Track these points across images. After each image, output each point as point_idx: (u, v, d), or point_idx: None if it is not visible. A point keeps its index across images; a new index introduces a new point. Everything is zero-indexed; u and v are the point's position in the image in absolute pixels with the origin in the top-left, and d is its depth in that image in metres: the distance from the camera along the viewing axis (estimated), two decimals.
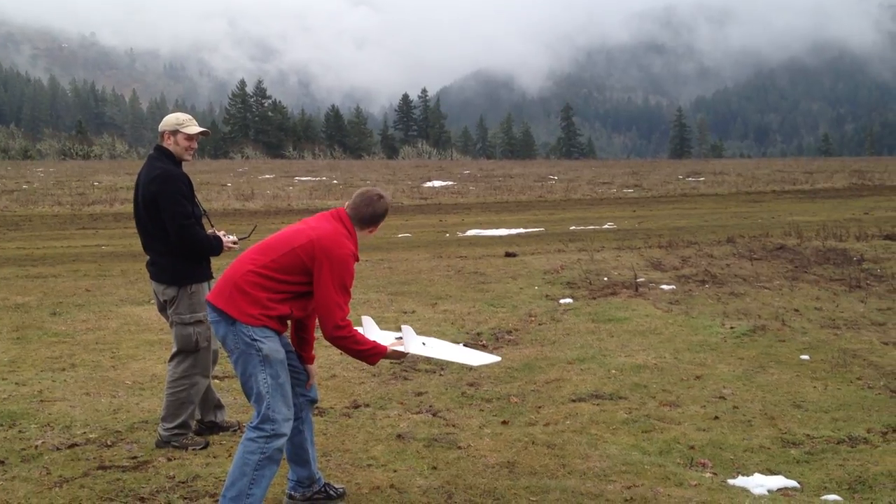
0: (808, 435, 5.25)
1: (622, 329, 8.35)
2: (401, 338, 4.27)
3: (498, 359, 4.78)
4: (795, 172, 45.17)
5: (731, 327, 8.24)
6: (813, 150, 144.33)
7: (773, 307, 9.25)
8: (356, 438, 5.30)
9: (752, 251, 13.79)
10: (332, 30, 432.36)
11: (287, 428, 3.92)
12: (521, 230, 18.76)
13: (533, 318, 9.04)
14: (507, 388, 6.44)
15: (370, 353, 4.03)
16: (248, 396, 3.95)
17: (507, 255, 14.04)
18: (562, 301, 9.92)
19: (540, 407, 5.96)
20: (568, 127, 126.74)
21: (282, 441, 3.91)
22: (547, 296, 10.36)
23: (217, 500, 4.11)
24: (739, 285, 10.72)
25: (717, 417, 5.62)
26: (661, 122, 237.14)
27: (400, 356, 4.20)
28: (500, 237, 17.67)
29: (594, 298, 10.09)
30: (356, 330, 4.05)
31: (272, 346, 3.89)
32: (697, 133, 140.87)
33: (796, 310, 9.10)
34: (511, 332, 8.46)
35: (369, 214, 4.11)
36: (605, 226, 19.77)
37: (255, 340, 3.84)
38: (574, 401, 6.06)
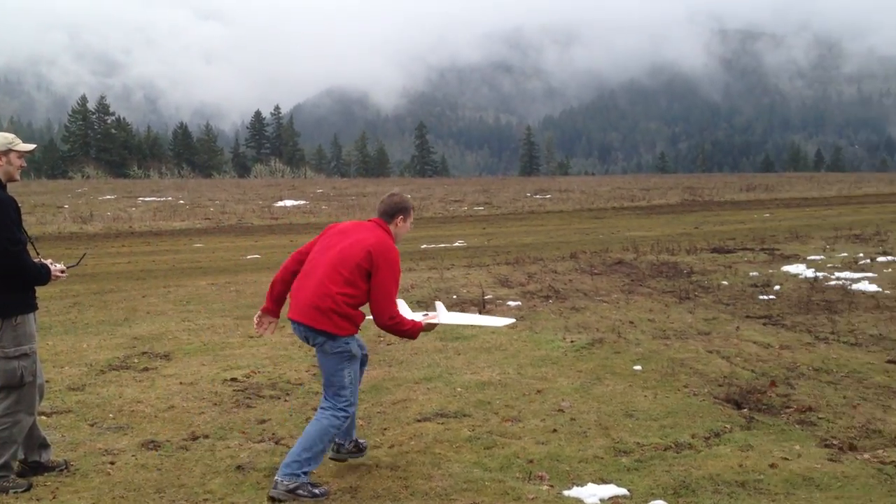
0: (638, 443, 5.53)
1: (469, 346, 8.51)
2: (426, 314, 5.28)
3: (513, 320, 6.33)
4: (634, 189, 47.38)
5: (572, 341, 8.56)
6: (651, 167, 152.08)
7: (611, 320, 9.67)
8: (193, 472, 5.16)
9: (592, 266, 14.37)
10: (179, 43, 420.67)
11: (354, 410, 5.06)
12: None
13: (382, 338, 9.08)
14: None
15: (413, 331, 4.93)
16: (331, 387, 4.85)
17: None
18: None
19: (385, 429, 6.00)
20: (422, 145, 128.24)
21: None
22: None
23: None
24: (580, 300, 11.14)
25: (555, 430, 5.83)
26: (511, 141, 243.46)
27: (432, 327, 5.14)
28: None
29: None
30: (402, 315, 4.92)
31: (354, 347, 4.87)
32: (545, 151, 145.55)
33: (631, 322, 9.56)
34: None
35: (391, 207, 5.02)
36: (456, 243, 20.10)
37: (348, 345, 4.79)
38: (419, 421, 6.13)
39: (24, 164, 5.07)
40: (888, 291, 11.38)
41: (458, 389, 6.94)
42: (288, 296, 5.11)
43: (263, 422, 6.17)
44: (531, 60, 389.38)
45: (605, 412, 6.22)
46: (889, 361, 7.57)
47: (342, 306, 4.69)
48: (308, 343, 4.87)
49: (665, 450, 5.40)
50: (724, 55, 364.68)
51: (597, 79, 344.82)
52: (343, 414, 4.84)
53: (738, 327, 9.18)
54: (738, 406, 6.30)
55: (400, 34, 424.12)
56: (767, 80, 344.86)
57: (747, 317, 9.88)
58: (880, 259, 14.66)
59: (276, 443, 5.69)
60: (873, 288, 11.63)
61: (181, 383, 7.24)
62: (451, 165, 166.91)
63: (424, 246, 19.29)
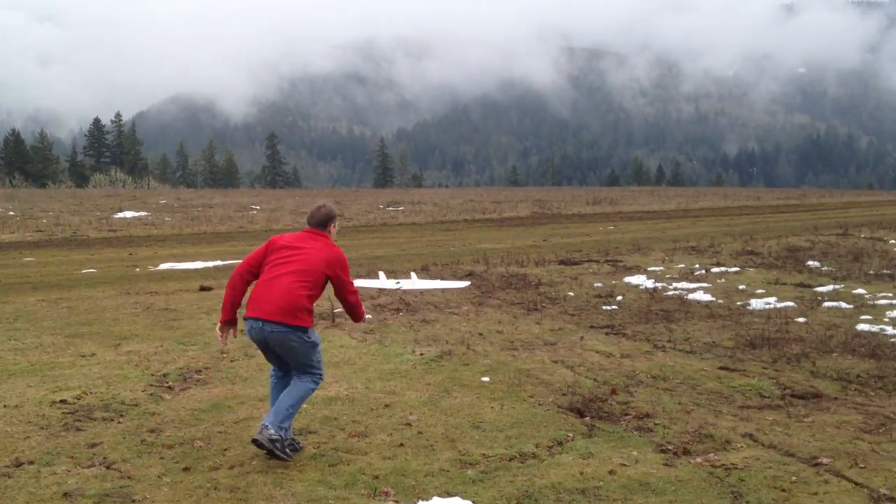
0: (483, 454, 5.54)
1: None
2: (398, 283, 6.96)
3: (468, 283, 7.62)
4: (486, 202, 48.30)
5: (421, 354, 8.55)
6: (503, 180, 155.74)
7: (461, 332, 9.73)
8: (15, 501, 4.78)
9: (444, 278, 14.45)
10: (11, 46, 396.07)
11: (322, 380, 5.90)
12: (220, 262, 18.25)
13: (225, 355, 8.77)
14: (193, 432, 6.16)
15: (363, 313, 6.14)
16: (305, 366, 5.65)
17: (203, 288, 13.56)
18: None
19: (226, 449, 5.76)
20: (273, 155, 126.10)
21: None
22: (242, 330, 10.09)
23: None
24: (431, 312, 11.17)
25: (402, 444, 5.77)
26: (364, 152, 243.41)
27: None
28: (196, 270, 17.05)
29: None
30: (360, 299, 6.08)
31: (317, 336, 5.75)
32: (399, 163, 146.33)
33: (480, 333, 9.65)
34: (201, 370, 8.13)
35: (324, 217, 5.90)
36: None
37: (315, 334, 5.69)
38: None
39: None
40: (721, 301, 12.02)
41: (304, 405, 6.77)
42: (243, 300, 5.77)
43: (94, 445, 5.80)
44: (384, 72, 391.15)
45: (452, 424, 6.22)
46: (721, 368, 7.96)
47: (310, 305, 5.61)
48: (264, 340, 5.56)
49: (510, 460, 5.44)
50: (571, 72, 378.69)
51: (450, 92, 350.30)
52: (319, 380, 5.78)
53: (582, 337, 9.44)
54: (581, 414, 6.45)
55: (249, 42, 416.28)
56: (612, 98, 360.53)
57: (591, 327, 10.17)
58: (714, 270, 15.49)
59: (108, 468, 5.34)
60: (707, 297, 12.26)
61: (5, 406, 6.72)
62: (304, 177, 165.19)
63: None
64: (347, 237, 26.32)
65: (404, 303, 11.82)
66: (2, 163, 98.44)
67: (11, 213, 36.35)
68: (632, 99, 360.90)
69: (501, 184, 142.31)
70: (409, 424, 6.24)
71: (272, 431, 5.36)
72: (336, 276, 5.72)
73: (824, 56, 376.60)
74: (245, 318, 5.58)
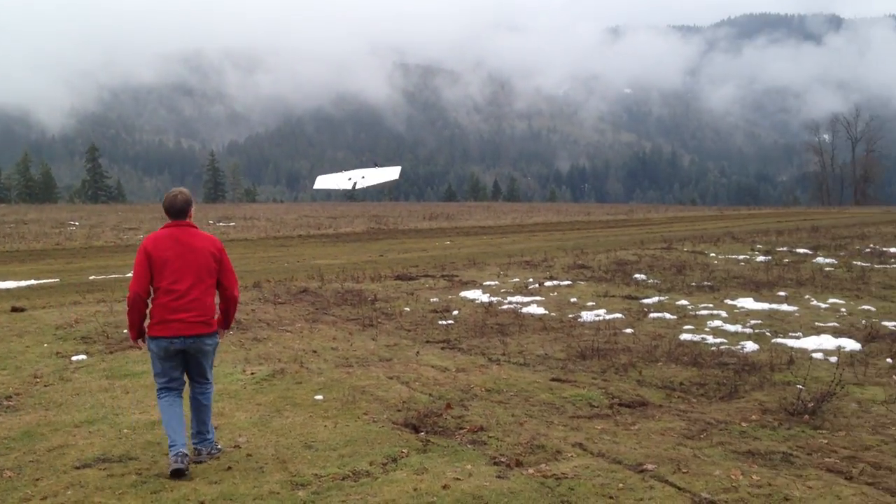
0: (316, 474, 5.39)
1: (139, 384, 7.91)
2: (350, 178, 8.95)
3: (399, 168, 8.64)
4: (321, 217, 47.87)
5: (252, 373, 8.27)
6: (339, 195, 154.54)
7: (294, 350, 9.50)
8: None
9: (276, 295, 14.13)
10: None
11: None
12: (33, 282, 17.03)
13: (39, 379, 8.17)
14: (2, 462, 5.68)
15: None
16: (205, 373, 5.88)
17: (14, 309, 12.63)
18: (74, 358, 9.13)
19: (38, 479, 5.35)
20: (94, 169, 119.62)
21: None
22: (58, 353, 9.47)
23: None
24: (263, 330, 10.86)
25: (230, 468, 5.54)
26: (194, 166, 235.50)
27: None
28: (8, 290, 15.85)
29: (111, 353, 9.45)
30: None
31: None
32: (231, 177, 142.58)
33: (315, 351, 9.46)
34: (11, 397, 7.54)
35: (184, 204, 5.82)
36: (128, 274, 18.77)
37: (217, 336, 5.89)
38: (78, 468, 5.55)
39: None
40: (553, 314, 12.36)
41: (125, 431, 6.39)
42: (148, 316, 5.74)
43: None
44: (213, 84, 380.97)
45: (283, 445, 6.03)
46: (553, 380, 8.15)
47: (216, 309, 5.84)
48: (182, 351, 5.69)
49: (343, 479, 5.32)
50: (406, 88, 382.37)
51: (282, 105, 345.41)
52: (212, 386, 6.05)
53: (418, 352, 9.44)
54: (416, 430, 6.41)
55: (65, 51, 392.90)
56: (447, 114, 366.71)
57: (427, 342, 10.20)
58: (547, 283, 15.94)
59: None
60: (541, 311, 12.58)
61: None
62: (129, 191, 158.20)
63: (93, 277, 17.83)
64: None
65: (235, 321, 11.43)
66: None
67: None
68: (466, 115, 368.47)
69: (337, 199, 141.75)
70: (238, 446, 6.01)
71: (209, 450, 5.80)
72: (222, 262, 5.83)
73: (648, 77, 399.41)
74: (160, 338, 5.61)
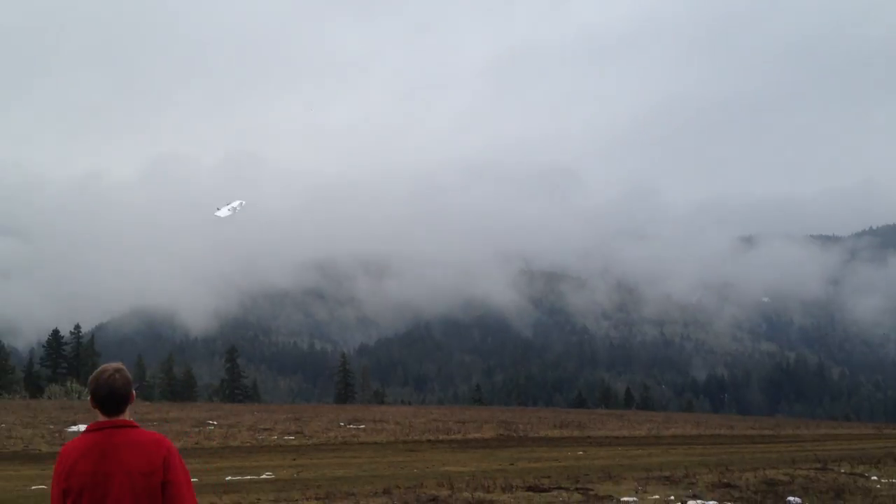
0: None
1: None
2: None
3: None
4: (449, 421, 47.42)
5: None
6: (467, 398, 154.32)
7: None
8: None
9: (406, 503, 13.79)
10: None
11: None
12: None
13: None
14: None
15: None
16: None
17: None
18: None
19: None
20: (232, 368, 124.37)
21: None
22: None
23: None
24: None
25: None
26: (325, 367, 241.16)
27: None
28: None
29: None
30: None
31: None
32: (361, 379, 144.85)
33: None
34: None
35: (125, 388, 4.17)
36: (263, 475, 18.93)
37: None
38: None
39: None
40: None
41: None
42: None
43: None
44: (345, 289, 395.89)
45: None
46: None
47: None
48: None
49: None
50: (532, 294, 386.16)
51: (411, 310, 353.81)
52: None
53: None
54: None
55: (207, 257, 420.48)
56: (575, 319, 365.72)
57: None
58: (690, 503, 14.96)
59: None
60: None
61: None
62: (264, 390, 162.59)
63: (229, 478, 18.02)
64: (306, 456, 25.41)
65: None
66: None
67: None
68: (594, 321, 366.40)
69: (465, 402, 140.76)
70: None
71: None
72: (172, 483, 3.99)
73: (787, 286, 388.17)
74: None
